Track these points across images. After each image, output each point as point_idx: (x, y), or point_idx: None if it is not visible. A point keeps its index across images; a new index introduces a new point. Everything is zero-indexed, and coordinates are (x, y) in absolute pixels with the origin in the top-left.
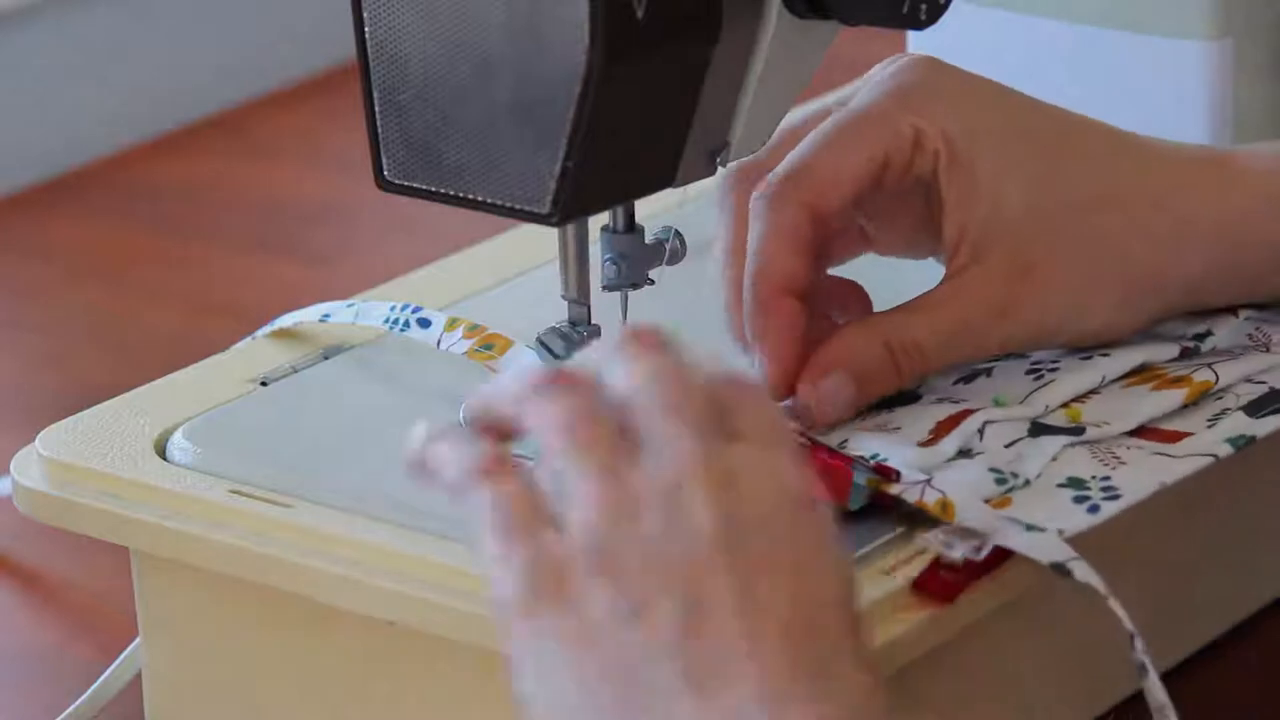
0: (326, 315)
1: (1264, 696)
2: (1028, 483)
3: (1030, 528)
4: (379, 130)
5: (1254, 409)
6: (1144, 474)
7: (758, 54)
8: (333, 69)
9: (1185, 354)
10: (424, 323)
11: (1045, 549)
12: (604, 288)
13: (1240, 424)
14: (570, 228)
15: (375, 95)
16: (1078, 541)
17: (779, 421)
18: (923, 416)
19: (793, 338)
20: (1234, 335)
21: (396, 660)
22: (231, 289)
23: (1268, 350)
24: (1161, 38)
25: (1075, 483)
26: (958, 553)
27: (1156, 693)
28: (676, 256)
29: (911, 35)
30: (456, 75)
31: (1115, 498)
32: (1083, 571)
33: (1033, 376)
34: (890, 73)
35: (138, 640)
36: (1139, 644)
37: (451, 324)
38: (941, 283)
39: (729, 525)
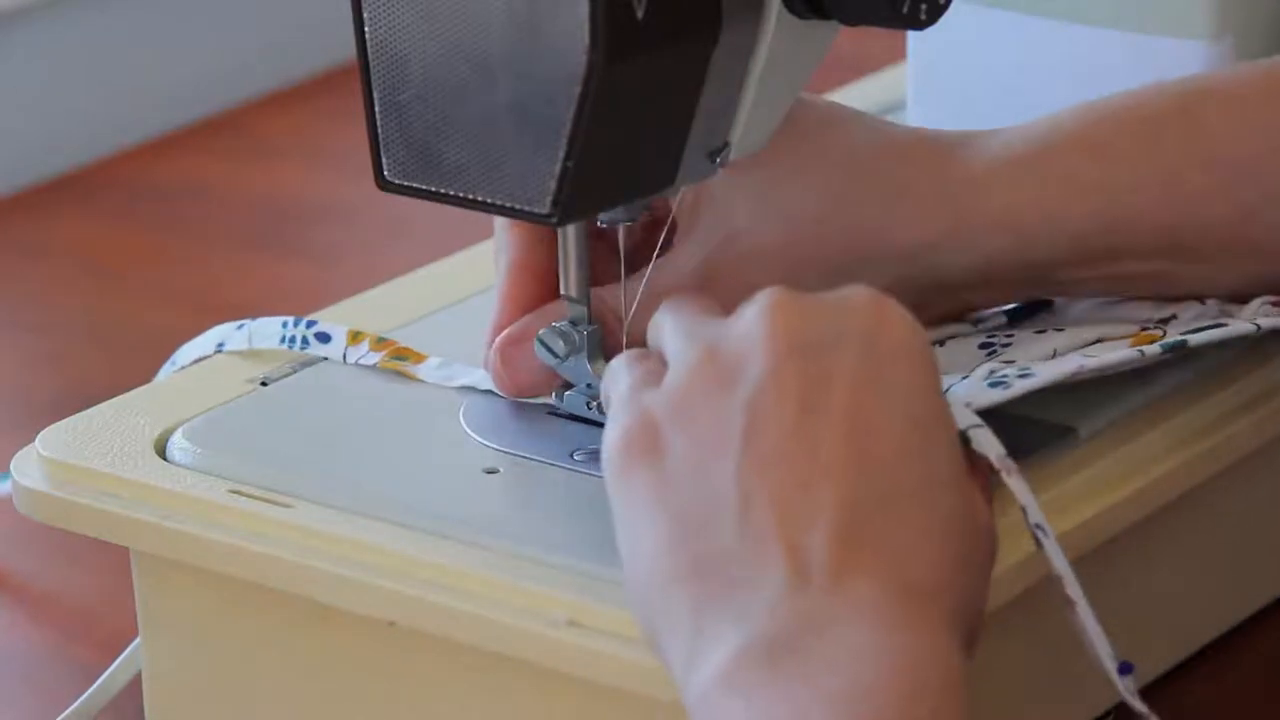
0: (221, 344)
1: (1264, 696)
2: (948, 389)
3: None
4: (379, 130)
5: (1193, 332)
6: (1063, 365)
7: (758, 54)
8: (333, 69)
9: (1147, 336)
10: (323, 337)
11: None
12: (601, 224)
13: (1175, 338)
14: (570, 228)
15: (375, 95)
16: (1078, 540)
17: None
18: None
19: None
20: (1197, 317)
21: (396, 660)
22: (231, 289)
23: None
24: (1161, 38)
25: (993, 375)
26: None
27: (1057, 560)
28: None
29: (911, 35)
30: (456, 75)
31: (1029, 377)
32: (982, 438)
33: (985, 351)
34: None
35: (138, 640)
36: (1035, 516)
37: (355, 337)
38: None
39: (807, 387)
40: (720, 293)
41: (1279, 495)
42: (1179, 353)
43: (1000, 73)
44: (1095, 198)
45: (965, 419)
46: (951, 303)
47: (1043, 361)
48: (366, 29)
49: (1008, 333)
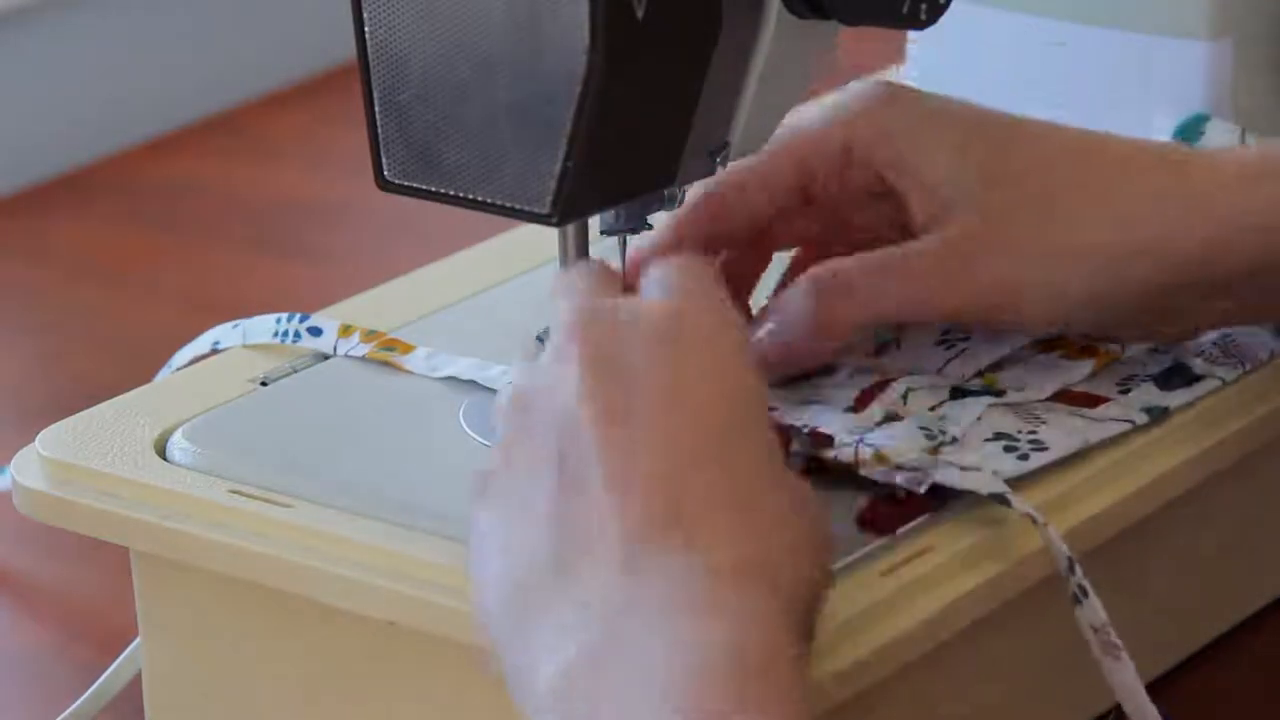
0: (217, 342)
1: (1264, 696)
2: (955, 439)
3: (965, 468)
4: (379, 130)
5: (1163, 381)
6: (1067, 432)
7: (758, 54)
8: (333, 69)
9: None
10: (315, 331)
11: (983, 483)
12: (602, 232)
13: (1153, 395)
14: (570, 228)
15: (375, 95)
16: (1078, 539)
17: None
18: (844, 387)
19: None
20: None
21: (396, 660)
22: (231, 289)
23: None
24: (1161, 38)
25: (1003, 436)
26: (898, 480)
27: (1098, 612)
28: (675, 202)
29: (911, 35)
30: (456, 75)
31: (1043, 449)
32: (1019, 501)
33: (944, 347)
34: (836, 96)
35: (138, 640)
36: (1078, 570)
37: (346, 330)
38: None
39: (590, 376)
40: (971, 289)
41: (1279, 495)
42: (1160, 413)
43: (1000, 73)
44: None
45: (998, 485)
46: (1216, 308)
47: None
48: (366, 29)
49: (962, 332)
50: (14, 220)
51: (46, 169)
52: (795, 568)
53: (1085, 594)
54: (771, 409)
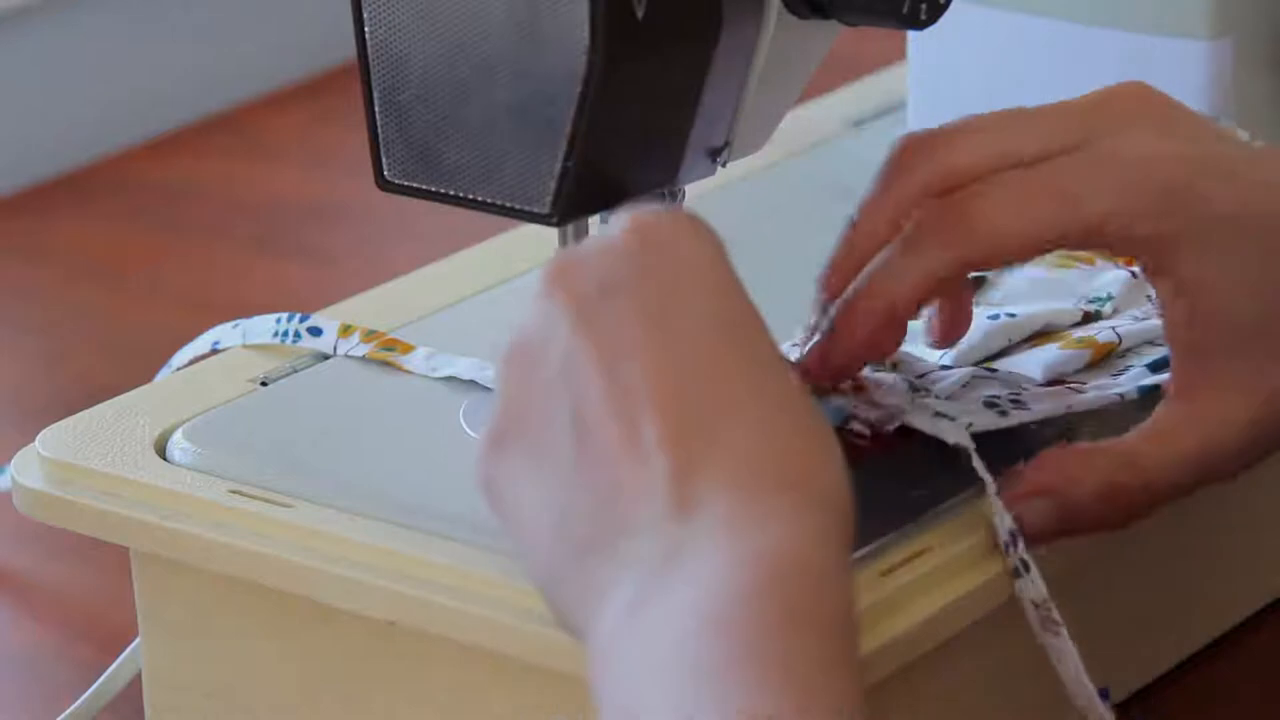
0: (217, 342)
1: (1264, 696)
2: (939, 398)
3: (939, 415)
4: (379, 130)
5: (1155, 367)
6: (1053, 400)
7: (758, 54)
8: (333, 69)
9: (1088, 318)
10: (315, 331)
11: (950, 432)
12: None
13: (1145, 376)
14: (570, 228)
15: (375, 95)
16: (1078, 539)
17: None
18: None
19: (864, 352)
20: (1133, 296)
21: (396, 660)
22: (232, 289)
23: None
24: (1161, 38)
25: (988, 398)
26: (868, 415)
27: (1039, 586)
28: (675, 202)
29: (911, 35)
30: (456, 75)
31: (1024, 409)
32: (978, 464)
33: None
34: (1095, 115)
35: (138, 640)
36: (1020, 544)
37: (346, 330)
38: (1168, 403)
39: (576, 317)
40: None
41: (1279, 495)
42: (1151, 388)
43: (1000, 73)
44: None
45: (964, 439)
46: None
47: (1032, 385)
48: (366, 29)
49: None
50: (14, 220)
51: (46, 169)
52: (828, 472)
53: (1027, 568)
54: None
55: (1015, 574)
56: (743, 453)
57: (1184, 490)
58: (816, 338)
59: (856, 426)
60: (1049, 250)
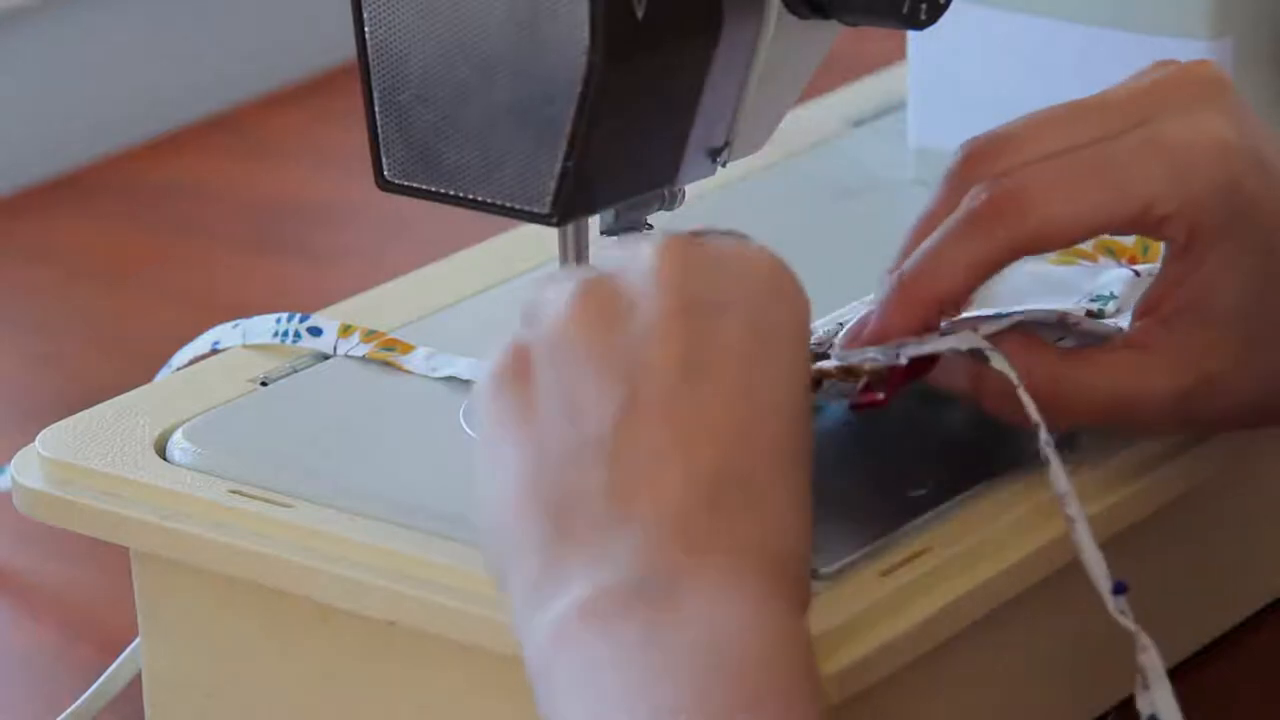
0: (217, 342)
1: (1264, 696)
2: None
3: (945, 331)
4: (379, 130)
5: None
6: (1047, 311)
7: (758, 54)
8: (333, 69)
9: (1090, 316)
10: (315, 331)
11: (961, 340)
12: (602, 232)
13: None
14: (570, 228)
15: (375, 95)
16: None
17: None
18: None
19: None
20: (1136, 295)
21: (396, 660)
22: (232, 289)
23: None
24: (1161, 38)
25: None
26: (873, 354)
27: (1059, 481)
28: (675, 202)
29: (911, 35)
30: (456, 75)
31: (1019, 312)
32: (999, 360)
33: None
34: (1156, 97)
35: (138, 640)
36: (1043, 434)
37: (346, 330)
38: (1114, 345)
39: (676, 315)
40: (1177, 414)
41: (1279, 495)
42: None
43: (1000, 73)
44: None
45: (978, 342)
46: None
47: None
48: (366, 29)
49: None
50: (14, 220)
51: (46, 169)
52: (806, 556)
53: (1048, 461)
54: None
55: (1045, 462)
56: (770, 527)
57: (1089, 422)
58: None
59: (872, 380)
60: (1098, 234)
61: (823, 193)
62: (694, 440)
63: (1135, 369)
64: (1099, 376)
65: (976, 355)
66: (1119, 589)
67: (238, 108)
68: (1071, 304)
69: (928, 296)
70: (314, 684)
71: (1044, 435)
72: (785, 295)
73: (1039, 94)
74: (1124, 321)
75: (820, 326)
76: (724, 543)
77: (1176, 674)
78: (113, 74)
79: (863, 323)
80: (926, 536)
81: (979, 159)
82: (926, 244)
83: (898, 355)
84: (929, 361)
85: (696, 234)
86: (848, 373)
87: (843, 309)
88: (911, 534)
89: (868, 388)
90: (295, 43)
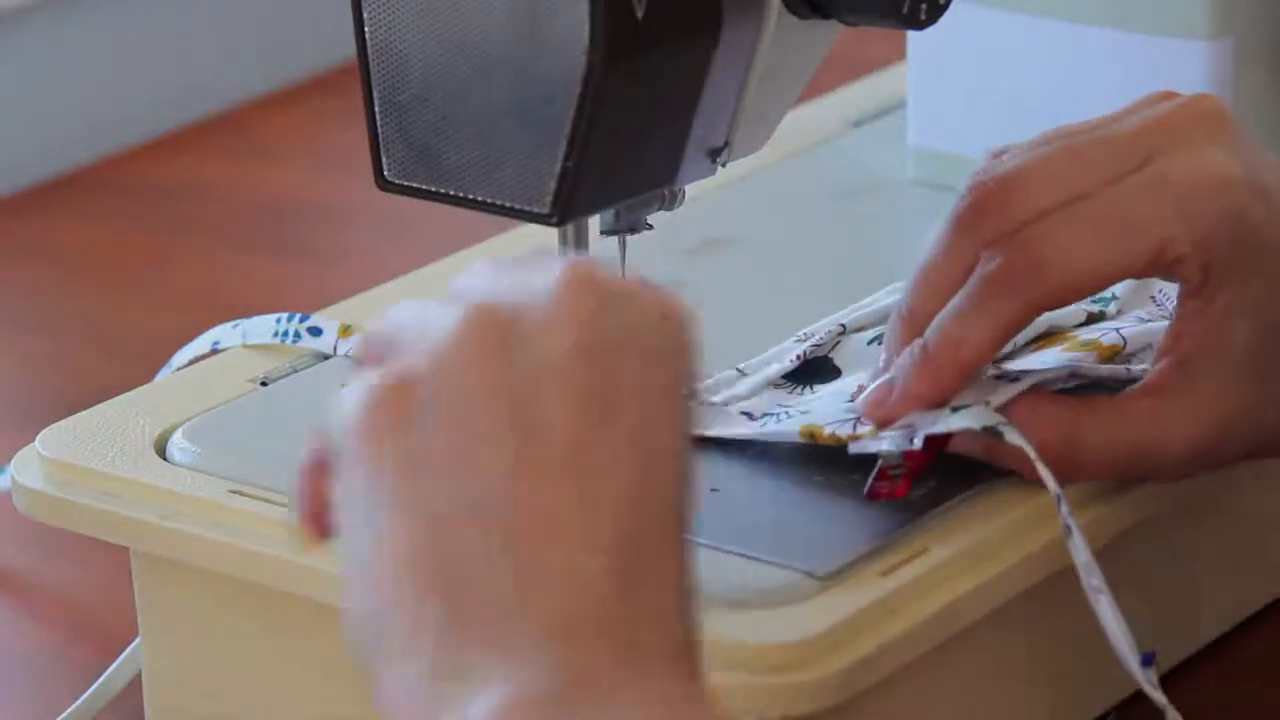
0: (217, 342)
1: (1264, 696)
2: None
3: (956, 409)
4: (379, 130)
5: None
6: (1060, 363)
7: (758, 54)
8: (333, 69)
9: (1091, 319)
10: (315, 331)
11: (975, 418)
12: (602, 232)
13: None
14: (570, 228)
15: (375, 95)
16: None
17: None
18: (846, 384)
19: (929, 404)
20: (1136, 297)
21: None
22: (232, 289)
23: (1170, 318)
24: (1161, 38)
25: (994, 373)
26: (888, 445)
27: (1080, 552)
28: (675, 202)
29: (911, 35)
30: (456, 75)
31: (1033, 372)
32: (1013, 435)
33: None
34: (1160, 133)
35: (138, 640)
36: (1063, 505)
37: (346, 330)
38: (1139, 391)
39: (597, 392)
40: (1198, 461)
41: (1279, 495)
42: None
43: (1000, 73)
44: None
45: (991, 418)
46: None
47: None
48: (366, 29)
49: None
50: (14, 220)
51: (46, 169)
52: (698, 621)
53: (1069, 531)
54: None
55: (1066, 533)
56: (678, 597)
57: (1106, 478)
58: (879, 380)
59: (887, 466)
60: (1118, 281)
61: (823, 193)
62: (598, 500)
63: (1152, 417)
64: (1115, 430)
65: (990, 432)
66: (1148, 660)
67: (238, 108)
68: (1077, 311)
69: (953, 367)
70: (314, 684)
71: (1064, 507)
72: (677, 341)
73: (1039, 94)
74: (1127, 325)
75: (821, 329)
76: (631, 627)
77: (1177, 674)
78: (113, 74)
79: (887, 388)
80: (926, 536)
81: (987, 208)
82: (947, 312)
83: (911, 439)
84: (943, 439)
85: (594, 265)
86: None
87: (842, 311)
88: (911, 534)
89: (883, 474)
90: (295, 43)
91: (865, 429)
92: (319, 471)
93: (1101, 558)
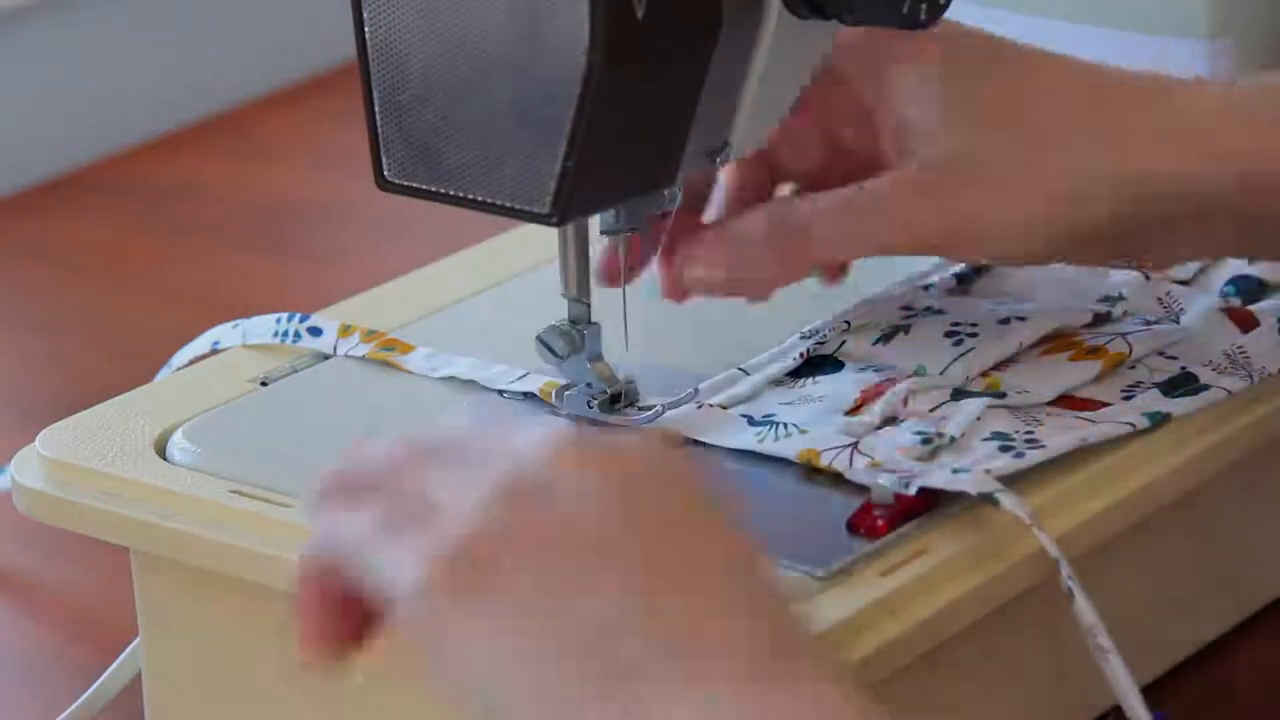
0: (217, 342)
1: (1264, 696)
2: (953, 440)
3: (957, 470)
4: (379, 130)
5: (1168, 389)
6: (1065, 432)
7: (758, 54)
8: (333, 69)
9: (1098, 320)
10: (315, 331)
11: (972, 483)
12: (601, 232)
13: (1156, 400)
14: (570, 228)
15: (375, 95)
16: (1078, 540)
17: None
18: (846, 386)
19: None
20: (1143, 298)
21: (396, 660)
22: (232, 289)
23: (1178, 321)
24: (1161, 38)
25: (999, 436)
26: (884, 482)
27: (1085, 614)
28: (675, 202)
29: None
30: (456, 75)
31: (1039, 447)
32: (1009, 501)
33: (952, 340)
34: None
35: (138, 640)
36: (1064, 568)
37: (346, 330)
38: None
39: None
40: (919, 211)
41: (1279, 495)
42: (1162, 419)
43: None
44: None
45: (988, 484)
46: (1164, 243)
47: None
48: (366, 29)
49: (972, 323)
50: (14, 220)
51: (46, 169)
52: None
53: (1072, 595)
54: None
55: (1069, 598)
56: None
57: (844, 250)
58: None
59: (874, 504)
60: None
61: None
62: (712, 589)
63: (862, 197)
64: (826, 208)
65: (986, 499)
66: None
67: (238, 108)
68: (1079, 305)
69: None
70: (314, 684)
71: (1065, 569)
72: (679, 470)
73: None
74: (1134, 331)
75: (825, 326)
76: (785, 669)
77: (1176, 674)
78: (113, 74)
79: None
80: (926, 537)
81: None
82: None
83: (908, 485)
84: (935, 494)
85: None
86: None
87: (847, 308)
88: (911, 534)
89: (868, 509)
90: (295, 43)
91: (861, 461)
92: (322, 580)
93: (1101, 558)
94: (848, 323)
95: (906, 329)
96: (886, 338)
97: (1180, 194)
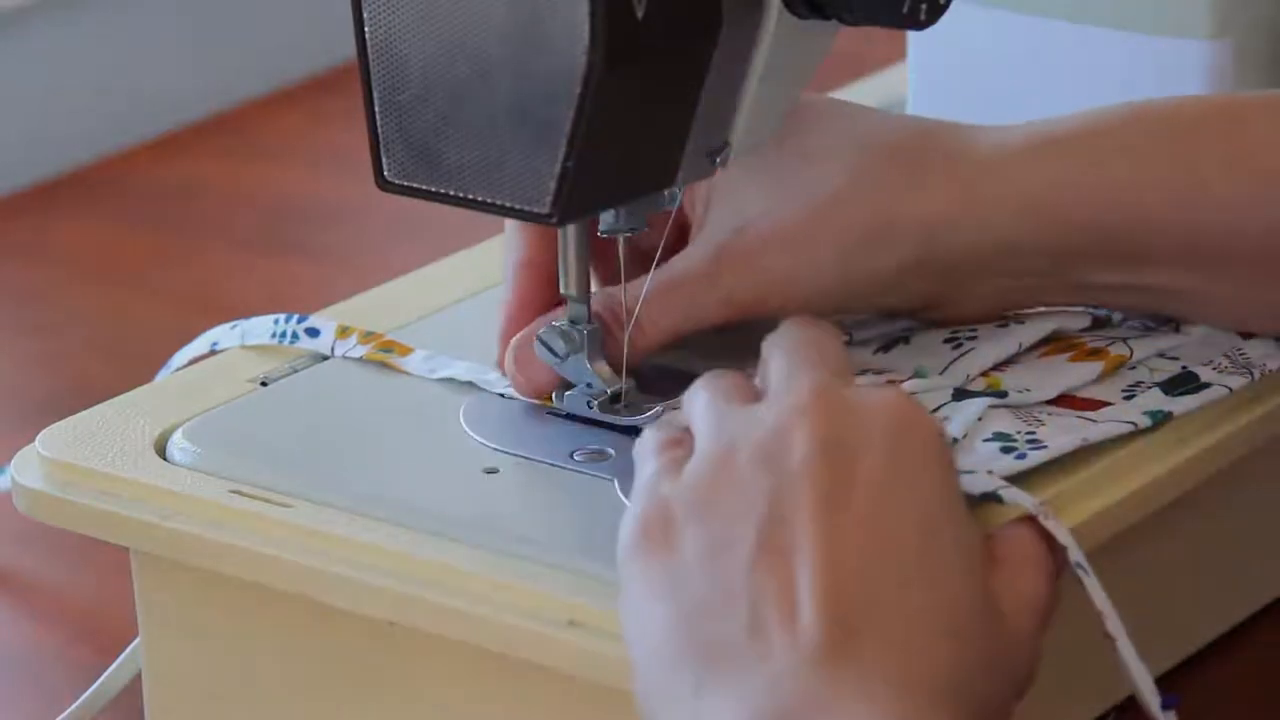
0: (215, 343)
1: (1264, 696)
2: (955, 440)
3: (960, 472)
4: (379, 130)
5: (1169, 387)
6: (1067, 432)
7: (758, 54)
8: (333, 69)
9: (1097, 323)
10: (313, 332)
11: (974, 484)
12: (602, 232)
13: (1158, 399)
14: (570, 228)
15: (375, 95)
16: (1078, 540)
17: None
18: None
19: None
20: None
21: (396, 660)
22: (232, 289)
23: (1177, 330)
24: (1161, 38)
25: (1001, 437)
26: None
27: (1097, 595)
28: (675, 202)
29: (911, 35)
30: (456, 75)
31: (1040, 448)
32: (1012, 495)
33: (951, 345)
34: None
35: (138, 640)
36: (1075, 554)
37: (344, 331)
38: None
39: (820, 454)
40: (733, 280)
41: (1279, 495)
42: (1163, 418)
43: (1000, 73)
44: (1115, 190)
45: (991, 483)
46: (979, 294)
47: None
48: (366, 29)
49: (970, 329)
50: (14, 220)
51: (46, 169)
52: (987, 683)
53: (1085, 576)
54: None
55: (1082, 577)
56: (907, 649)
57: (667, 317)
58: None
59: None
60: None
61: None
62: (825, 573)
63: (672, 265)
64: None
65: (989, 498)
66: (1169, 704)
67: (238, 108)
68: (1082, 316)
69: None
70: (314, 684)
71: (1075, 555)
72: (916, 426)
73: (1039, 94)
74: (1134, 335)
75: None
76: (853, 668)
77: (1176, 674)
78: (113, 74)
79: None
80: None
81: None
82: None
83: None
84: None
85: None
86: None
87: (848, 318)
88: None
89: None
90: (295, 43)
91: None
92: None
93: (1099, 558)
94: (849, 334)
95: (906, 339)
96: (886, 348)
97: (976, 239)
